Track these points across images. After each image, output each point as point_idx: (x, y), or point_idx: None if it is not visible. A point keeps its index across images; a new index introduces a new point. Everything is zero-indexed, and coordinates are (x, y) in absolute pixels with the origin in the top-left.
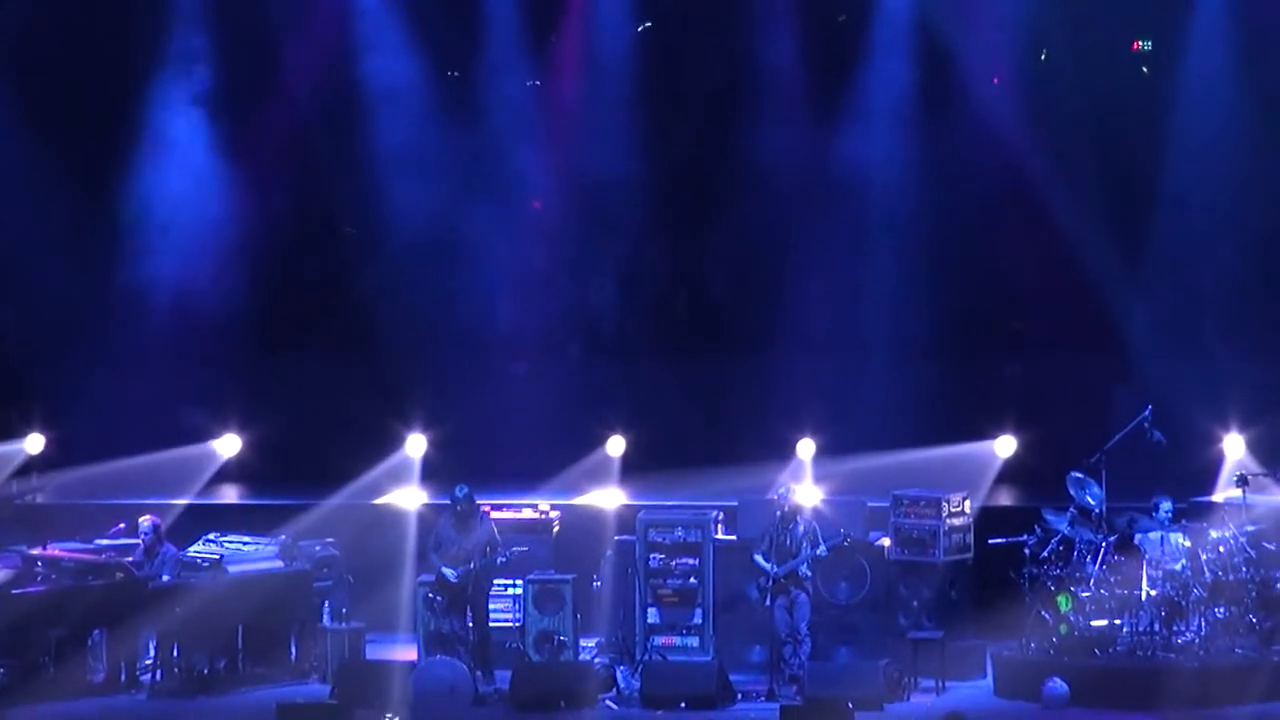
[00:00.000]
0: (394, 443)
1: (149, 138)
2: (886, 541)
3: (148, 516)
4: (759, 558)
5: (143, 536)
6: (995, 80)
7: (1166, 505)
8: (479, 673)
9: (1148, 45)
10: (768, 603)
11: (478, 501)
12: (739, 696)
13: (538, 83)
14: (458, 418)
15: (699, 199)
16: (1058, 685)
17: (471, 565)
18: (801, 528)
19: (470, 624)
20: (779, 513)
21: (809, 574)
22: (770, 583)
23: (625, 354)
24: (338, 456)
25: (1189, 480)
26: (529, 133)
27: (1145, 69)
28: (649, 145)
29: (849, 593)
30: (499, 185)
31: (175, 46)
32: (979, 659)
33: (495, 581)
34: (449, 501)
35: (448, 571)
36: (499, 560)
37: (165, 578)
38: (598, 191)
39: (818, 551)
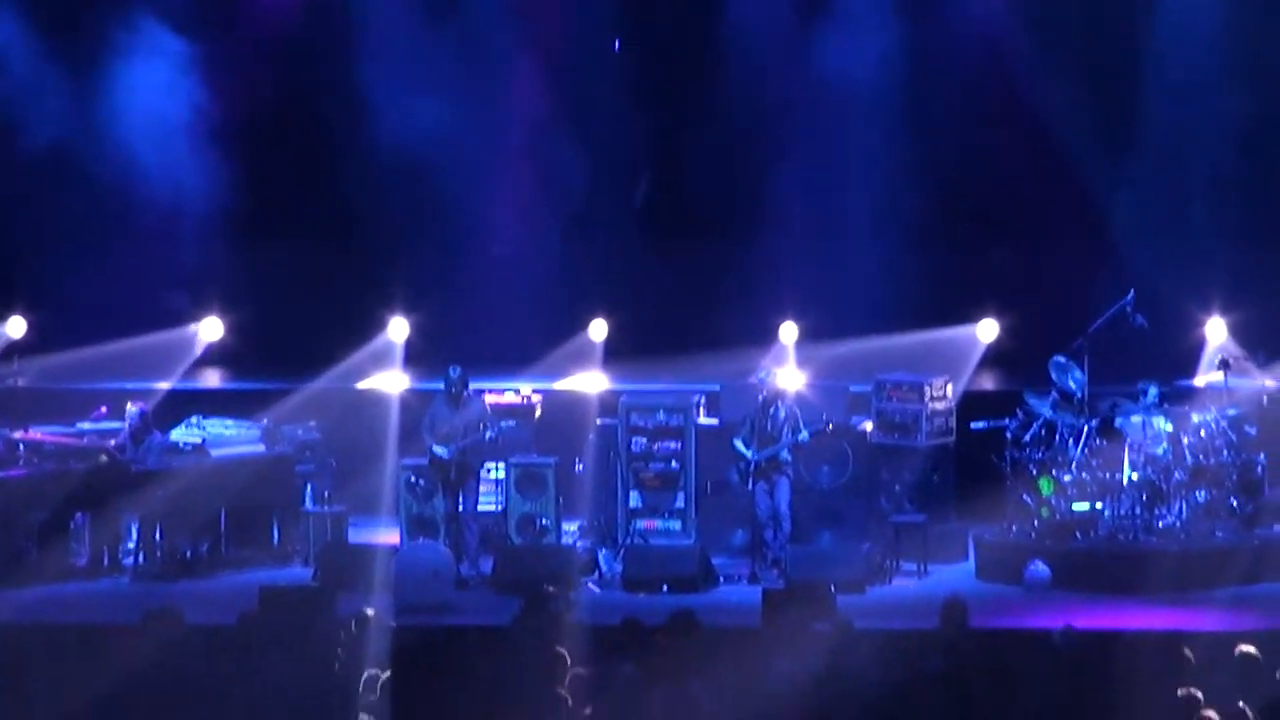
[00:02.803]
0: (376, 327)
1: (132, 26)
2: (869, 425)
3: (135, 403)
4: (739, 443)
5: (130, 423)
6: None
7: (1153, 390)
8: (463, 556)
9: None
10: (749, 487)
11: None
12: (721, 579)
13: None
14: (440, 302)
15: (681, 82)
16: (1039, 568)
17: (462, 441)
18: (783, 413)
19: (461, 504)
20: (760, 397)
21: (789, 459)
22: (751, 467)
23: (608, 238)
24: (320, 340)
25: (1171, 364)
26: (509, 18)
27: None
28: (629, 27)
29: (831, 477)
30: (478, 70)
31: None
32: (961, 542)
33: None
34: (443, 383)
35: (439, 449)
36: (488, 436)
37: (150, 463)
38: (577, 77)
39: (799, 437)
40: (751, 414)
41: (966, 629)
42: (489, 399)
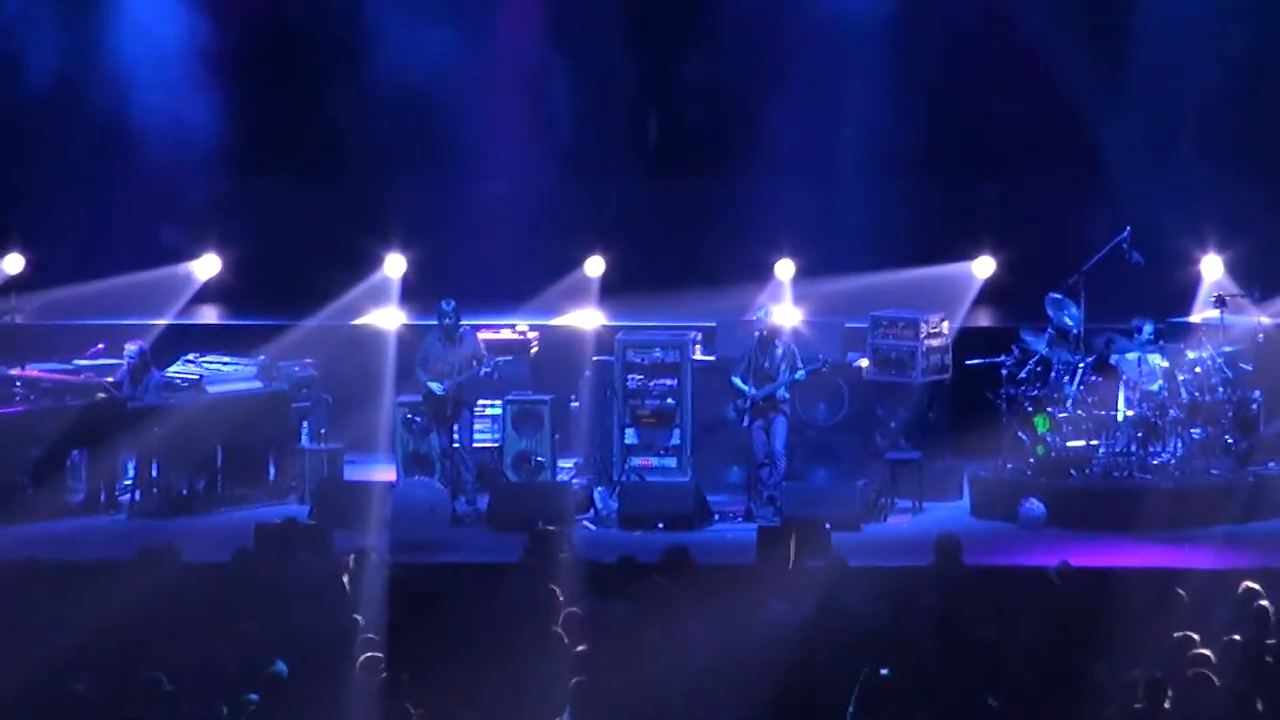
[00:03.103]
0: (372, 263)
1: None
2: (864, 362)
3: (135, 341)
4: (737, 380)
5: (129, 360)
6: None
7: (1148, 328)
8: (459, 492)
9: None
10: (745, 424)
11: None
12: (716, 517)
13: None
14: (436, 238)
15: (677, 18)
16: (1034, 506)
17: (458, 377)
18: (780, 350)
19: (456, 439)
20: (758, 335)
21: (787, 396)
22: (748, 405)
23: (605, 174)
24: (316, 277)
25: (1166, 301)
26: None
27: None
28: None
29: (826, 414)
30: (472, 4)
31: None
32: (956, 479)
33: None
34: (436, 317)
35: (434, 385)
36: (482, 372)
37: (147, 400)
38: (573, 10)
39: (796, 375)
40: (749, 351)
41: (960, 565)
42: (485, 335)
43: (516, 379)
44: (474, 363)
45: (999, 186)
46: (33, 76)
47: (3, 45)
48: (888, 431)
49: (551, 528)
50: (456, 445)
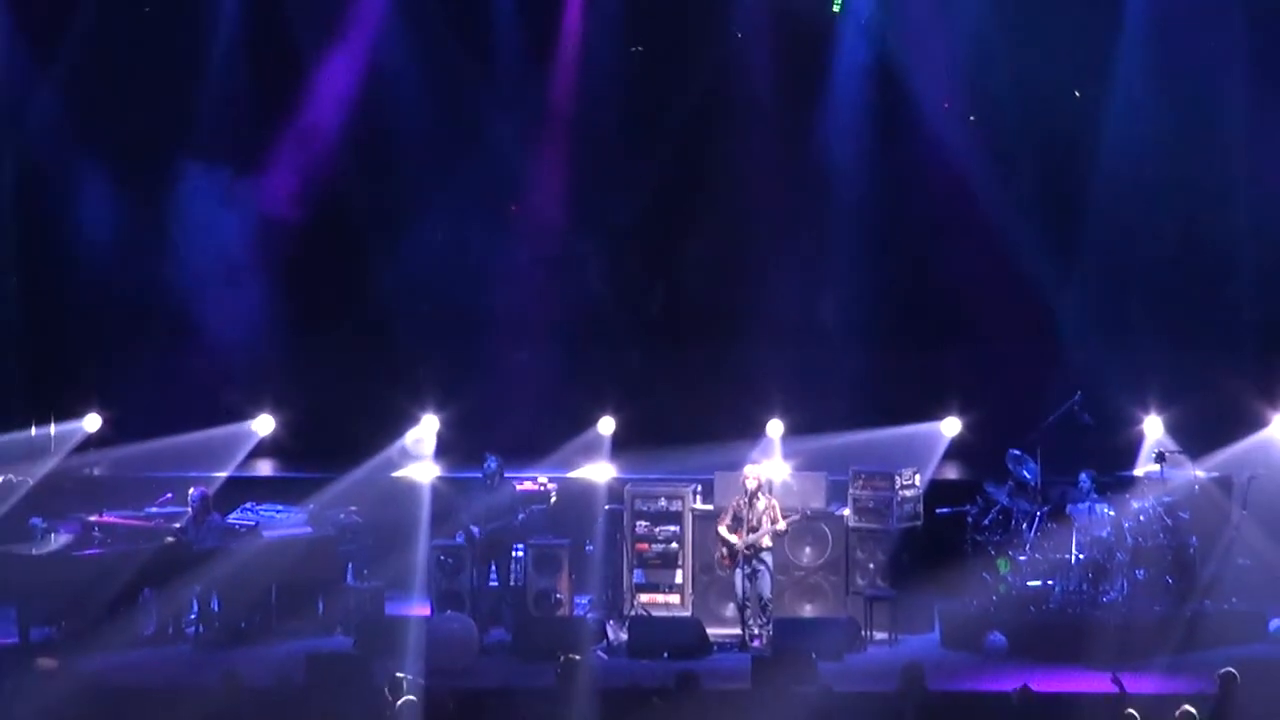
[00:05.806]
0: (410, 422)
1: (192, 152)
2: (846, 511)
3: (196, 488)
4: (724, 530)
5: (191, 504)
6: (945, 105)
7: (1084, 477)
8: (489, 626)
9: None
10: (732, 570)
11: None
12: (715, 648)
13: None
14: (467, 400)
15: (679, 205)
16: (997, 638)
17: (495, 524)
18: (762, 503)
19: (494, 578)
20: (745, 487)
21: (770, 545)
22: (731, 552)
23: (616, 343)
24: (360, 434)
25: (1113, 457)
26: (527, 147)
27: (1077, 93)
28: (633, 158)
29: (812, 556)
30: (501, 196)
31: (218, 65)
32: (928, 615)
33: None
34: (481, 473)
35: (473, 529)
36: (517, 519)
37: (209, 544)
38: (588, 199)
39: (777, 527)
40: (734, 503)
41: (924, 688)
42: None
43: (536, 525)
44: (509, 509)
45: (965, 355)
46: (110, 263)
47: (85, 225)
48: (867, 572)
49: (577, 657)
50: (494, 584)
